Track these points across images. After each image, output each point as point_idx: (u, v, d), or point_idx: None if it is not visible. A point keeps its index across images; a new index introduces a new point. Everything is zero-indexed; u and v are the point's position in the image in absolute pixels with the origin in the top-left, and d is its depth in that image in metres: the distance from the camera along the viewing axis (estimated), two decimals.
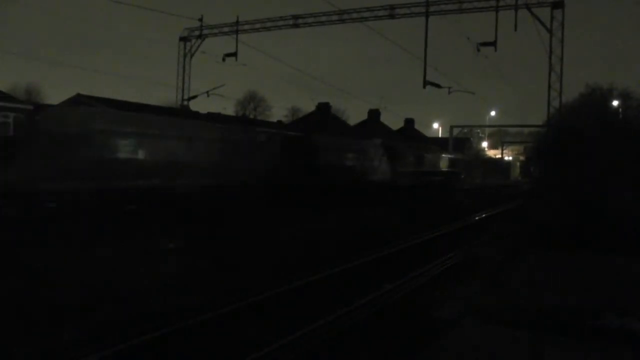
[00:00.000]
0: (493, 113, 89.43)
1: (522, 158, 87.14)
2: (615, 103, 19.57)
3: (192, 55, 36.72)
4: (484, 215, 24.81)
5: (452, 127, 75.93)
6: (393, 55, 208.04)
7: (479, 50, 26.46)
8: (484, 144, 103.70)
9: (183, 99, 36.54)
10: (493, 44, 26.07)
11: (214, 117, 36.02)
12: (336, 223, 17.95)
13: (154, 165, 16.86)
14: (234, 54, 32.75)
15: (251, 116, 64.22)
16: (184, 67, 36.94)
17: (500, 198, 35.57)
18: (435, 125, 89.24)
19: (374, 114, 62.61)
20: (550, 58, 27.93)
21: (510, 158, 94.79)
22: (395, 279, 10.54)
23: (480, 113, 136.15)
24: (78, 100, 33.73)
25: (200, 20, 34.76)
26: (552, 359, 6.64)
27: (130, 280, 9.61)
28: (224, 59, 32.92)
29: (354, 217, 19.45)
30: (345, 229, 16.82)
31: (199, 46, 36.24)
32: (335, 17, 32.25)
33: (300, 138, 26.16)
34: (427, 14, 27.75)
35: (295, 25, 33.51)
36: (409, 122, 71.55)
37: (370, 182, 28.06)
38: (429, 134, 79.67)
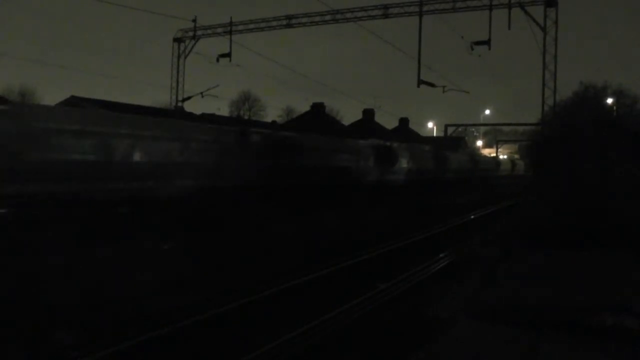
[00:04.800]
0: (487, 112, 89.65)
1: (516, 157, 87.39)
2: (609, 101, 19.61)
3: (186, 56, 36.65)
4: None
5: (446, 126, 76.13)
6: (387, 54, 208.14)
7: (472, 49, 26.47)
8: (479, 143, 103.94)
9: (177, 100, 36.44)
10: (487, 42, 26.06)
11: (208, 119, 35.93)
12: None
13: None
14: (228, 55, 32.67)
15: (245, 117, 64.14)
16: (177, 68, 36.87)
17: None
18: (430, 125, 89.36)
19: (369, 113, 62.59)
20: (544, 56, 28.00)
21: (505, 157, 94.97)
22: None
23: (475, 112, 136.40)
24: (72, 102, 33.59)
25: (194, 21, 34.65)
26: (548, 356, 6.65)
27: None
28: (218, 60, 32.86)
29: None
30: None
31: (192, 47, 36.16)
32: (328, 17, 32.21)
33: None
34: (420, 14, 27.75)
35: (289, 26, 33.46)
36: (404, 121, 71.60)
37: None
38: (423, 133, 79.76)
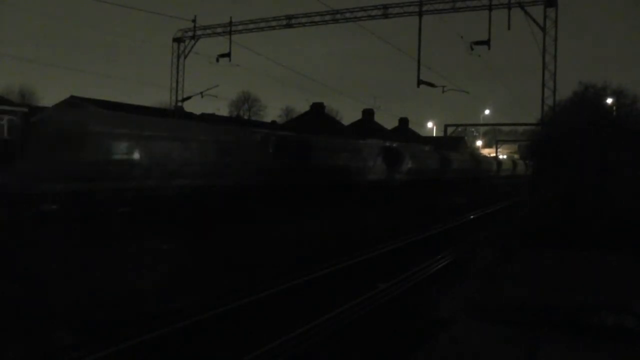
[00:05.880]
0: (487, 112, 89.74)
1: (516, 156, 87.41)
2: (609, 101, 19.61)
3: (185, 56, 36.60)
4: None
5: (446, 126, 76.19)
6: (387, 54, 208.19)
7: (472, 49, 26.46)
8: (478, 143, 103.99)
9: (177, 100, 36.42)
10: (486, 42, 26.06)
11: (207, 119, 35.95)
12: None
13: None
14: (228, 55, 32.66)
15: (245, 117, 64.17)
16: (177, 68, 36.82)
17: None
18: (430, 125, 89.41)
19: (368, 113, 62.62)
20: (543, 56, 27.98)
21: (505, 156, 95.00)
22: None
23: (475, 112, 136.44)
24: (72, 102, 33.61)
25: (194, 21, 34.64)
26: (547, 356, 6.66)
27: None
28: (217, 60, 32.85)
29: None
30: None
31: (192, 47, 36.12)
32: (328, 17, 32.19)
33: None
34: (420, 14, 27.77)
35: (289, 26, 33.44)
36: (403, 121, 71.64)
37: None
38: (423, 133, 79.80)
